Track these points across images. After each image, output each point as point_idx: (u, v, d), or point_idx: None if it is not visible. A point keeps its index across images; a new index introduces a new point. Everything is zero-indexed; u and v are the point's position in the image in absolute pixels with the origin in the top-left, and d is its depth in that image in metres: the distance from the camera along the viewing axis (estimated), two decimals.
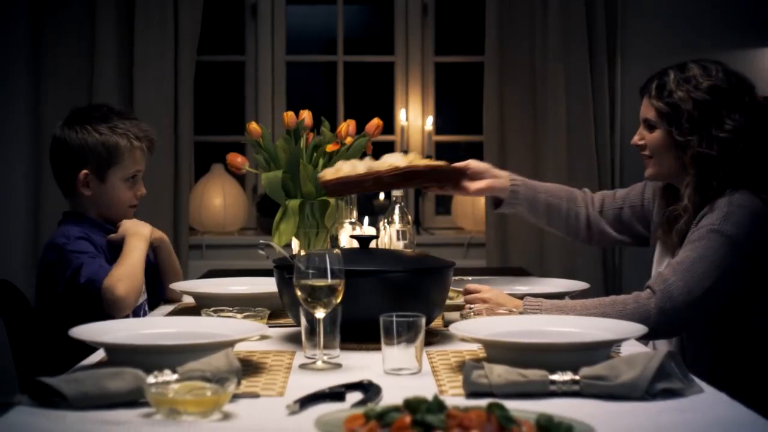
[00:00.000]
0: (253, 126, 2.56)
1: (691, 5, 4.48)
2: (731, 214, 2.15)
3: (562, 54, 4.34)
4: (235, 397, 1.51)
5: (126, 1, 4.33)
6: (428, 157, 4.69)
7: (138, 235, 2.48)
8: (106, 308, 2.30)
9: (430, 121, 4.75)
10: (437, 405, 1.23)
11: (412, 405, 1.23)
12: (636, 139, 2.36)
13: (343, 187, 2.21)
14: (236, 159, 2.59)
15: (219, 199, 4.60)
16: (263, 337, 2.04)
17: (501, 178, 2.48)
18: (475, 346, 1.92)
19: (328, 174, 2.20)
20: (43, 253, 2.47)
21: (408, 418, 1.20)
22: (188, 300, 2.61)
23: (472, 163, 2.47)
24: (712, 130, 2.21)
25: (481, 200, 4.53)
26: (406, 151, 4.47)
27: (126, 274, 2.34)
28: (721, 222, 2.15)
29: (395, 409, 1.24)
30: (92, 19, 4.30)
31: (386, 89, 4.82)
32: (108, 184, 2.52)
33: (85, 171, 2.50)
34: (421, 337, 1.72)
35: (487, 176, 2.47)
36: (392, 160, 2.19)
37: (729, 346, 2.23)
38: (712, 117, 2.22)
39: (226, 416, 1.44)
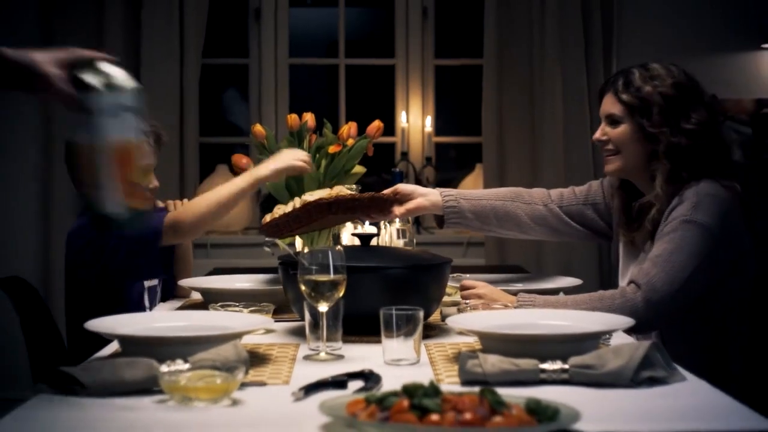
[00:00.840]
0: (258, 128, 2.62)
1: (686, 8, 4.53)
2: (700, 203, 2.23)
3: (559, 56, 4.39)
4: (244, 385, 1.58)
5: (133, 4, 4.38)
6: (427, 159, 4.77)
7: (251, 174, 2.48)
8: (173, 239, 2.42)
9: (429, 122, 4.80)
10: (433, 390, 1.29)
11: (410, 390, 1.29)
12: (598, 134, 2.39)
13: (275, 229, 2.19)
14: (241, 160, 2.64)
15: None
16: (268, 331, 2.11)
17: (429, 195, 2.47)
18: (471, 339, 1.97)
19: (267, 217, 2.21)
20: (72, 238, 2.52)
21: (406, 402, 1.26)
22: (196, 296, 2.67)
23: (401, 187, 2.45)
24: (681, 122, 2.30)
25: None
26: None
27: (194, 203, 2.43)
28: (692, 212, 2.22)
29: (394, 394, 1.30)
30: (100, 22, 4.36)
31: (387, 91, 4.87)
32: None
33: None
34: (420, 329, 1.77)
35: (415, 196, 2.45)
36: (317, 196, 2.15)
37: (704, 335, 2.29)
38: (679, 110, 2.31)
39: (235, 402, 1.50)
